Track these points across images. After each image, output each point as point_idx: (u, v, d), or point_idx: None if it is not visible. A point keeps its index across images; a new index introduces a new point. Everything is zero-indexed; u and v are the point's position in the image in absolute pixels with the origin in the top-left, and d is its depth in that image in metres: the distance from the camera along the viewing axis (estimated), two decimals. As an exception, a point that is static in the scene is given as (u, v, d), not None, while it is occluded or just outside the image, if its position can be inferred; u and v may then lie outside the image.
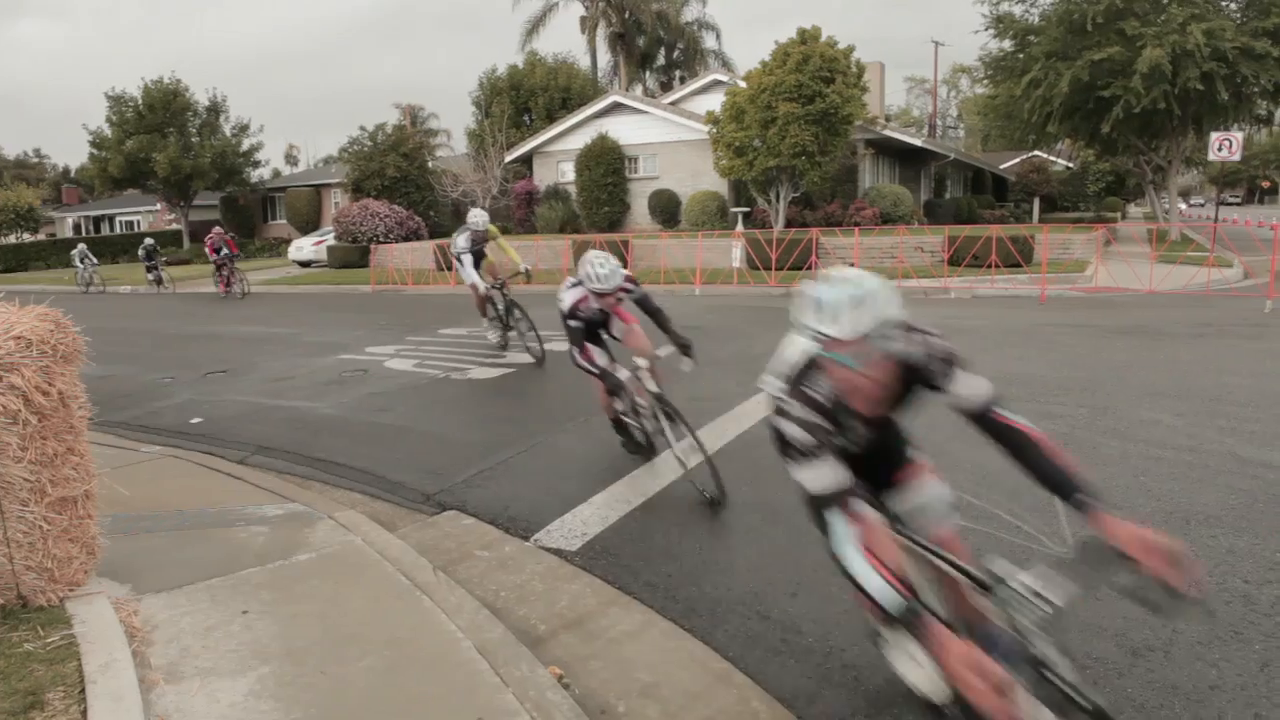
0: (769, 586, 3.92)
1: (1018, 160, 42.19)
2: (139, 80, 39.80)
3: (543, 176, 31.06)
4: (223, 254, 21.04)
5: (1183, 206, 39.18)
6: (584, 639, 3.54)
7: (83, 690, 2.82)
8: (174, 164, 35.71)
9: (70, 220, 51.71)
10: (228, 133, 39.31)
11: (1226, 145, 18.78)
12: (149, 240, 25.68)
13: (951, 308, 13.52)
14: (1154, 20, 20.20)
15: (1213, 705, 2.90)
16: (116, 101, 37.12)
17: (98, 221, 50.79)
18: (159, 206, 44.27)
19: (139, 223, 48.72)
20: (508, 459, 6.01)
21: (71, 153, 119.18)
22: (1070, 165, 42.45)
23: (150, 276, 24.69)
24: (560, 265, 21.38)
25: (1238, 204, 75.85)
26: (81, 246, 27.07)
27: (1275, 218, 26.52)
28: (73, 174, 68.40)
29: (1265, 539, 4.12)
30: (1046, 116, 22.78)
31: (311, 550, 4.23)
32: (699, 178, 27.10)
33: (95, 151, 37.89)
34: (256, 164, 41.09)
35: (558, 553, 4.40)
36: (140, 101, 37.13)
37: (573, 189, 29.43)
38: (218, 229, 21.88)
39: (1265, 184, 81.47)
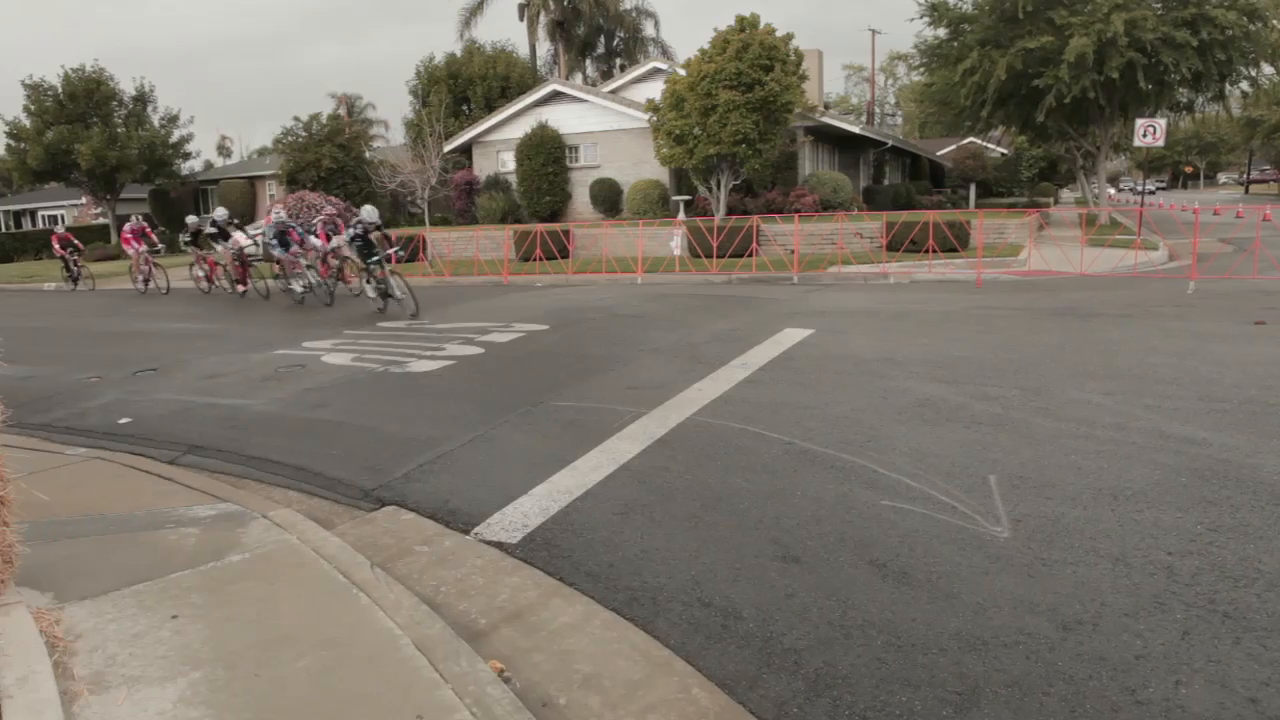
0: (709, 574, 3.93)
1: (954, 147, 43.02)
2: (59, 68, 38.05)
3: (483, 166, 30.70)
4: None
5: (1111, 191, 40.29)
6: (525, 632, 3.51)
7: (-1, 705, 2.71)
8: (98, 156, 34.26)
9: (-12, 214, 49.67)
10: (156, 123, 37.90)
11: (1151, 131, 19.34)
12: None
13: (890, 292, 13.72)
14: (1081, 10, 20.75)
15: (1138, 674, 2.99)
16: (34, 90, 35.51)
17: (18, 216, 48.87)
18: (83, 200, 42.71)
19: (63, 217, 46.99)
20: (448, 452, 5.93)
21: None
22: (1005, 152, 43.38)
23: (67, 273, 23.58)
24: (501, 255, 21.18)
25: (1163, 188, 78.95)
26: None
27: (1197, 201, 27.39)
28: (-11, 166, 65.53)
29: (1187, 512, 4.26)
30: (982, 103, 23.25)
31: (245, 551, 4.12)
32: (640, 166, 27.05)
33: (12, 143, 36.23)
34: (187, 155, 39.66)
35: (498, 545, 4.35)
36: (60, 90, 35.58)
37: (513, 179, 29.13)
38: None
39: (1188, 169, 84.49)
